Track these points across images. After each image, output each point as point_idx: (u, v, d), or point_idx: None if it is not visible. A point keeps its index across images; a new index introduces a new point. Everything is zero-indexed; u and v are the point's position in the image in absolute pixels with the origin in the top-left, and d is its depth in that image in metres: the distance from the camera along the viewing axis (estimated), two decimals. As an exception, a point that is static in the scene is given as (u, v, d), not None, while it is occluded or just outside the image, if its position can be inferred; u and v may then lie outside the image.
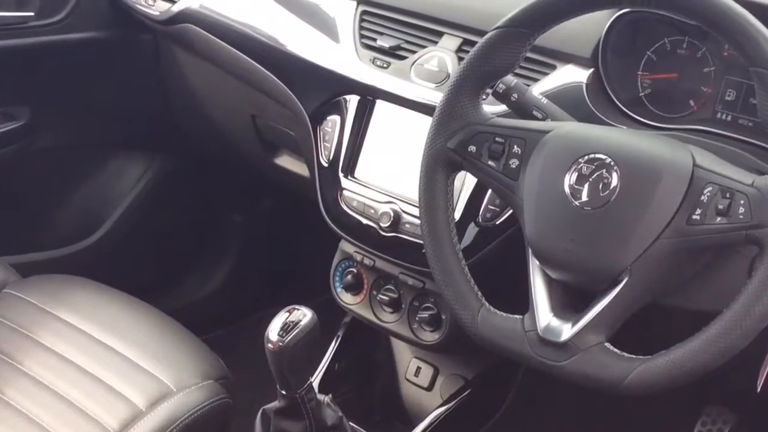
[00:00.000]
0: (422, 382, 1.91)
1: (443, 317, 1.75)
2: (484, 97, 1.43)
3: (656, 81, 1.55)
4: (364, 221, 1.71)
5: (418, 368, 1.92)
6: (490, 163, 1.37)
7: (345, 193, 1.74)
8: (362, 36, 1.79)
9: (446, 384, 1.89)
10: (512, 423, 1.91)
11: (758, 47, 1.18)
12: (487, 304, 1.36)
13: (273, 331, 1.53)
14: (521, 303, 1.33)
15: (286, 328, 1.53)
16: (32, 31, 2.03)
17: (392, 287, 1.81)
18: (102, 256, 2.19)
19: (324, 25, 1.84)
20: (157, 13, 2.04)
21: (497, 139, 1.37)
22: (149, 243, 2.30)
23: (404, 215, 1.66)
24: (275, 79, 1.85)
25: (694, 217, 1.20)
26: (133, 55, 2.14)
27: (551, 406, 1.98)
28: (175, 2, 2.02)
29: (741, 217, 1.17)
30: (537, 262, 1.33)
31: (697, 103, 1.50)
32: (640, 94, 1.55)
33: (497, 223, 1.59)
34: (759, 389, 1.31)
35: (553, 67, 1.59)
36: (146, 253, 2.30)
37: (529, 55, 1.47)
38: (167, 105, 2.21)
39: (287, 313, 1.55)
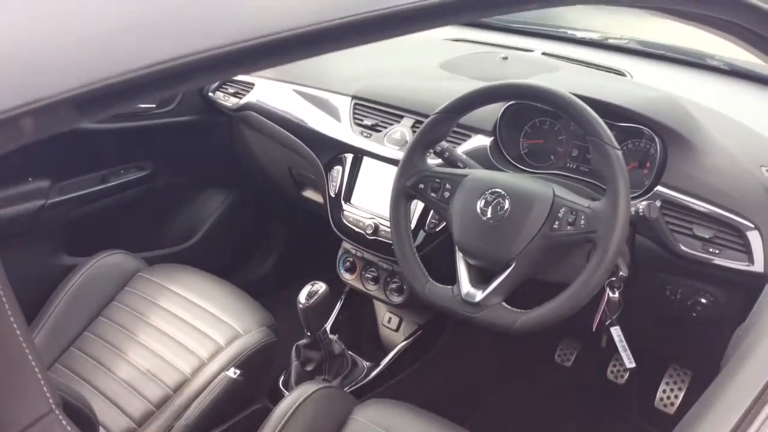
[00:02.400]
0: (392, 326, 1.85)
1: (405, 287, 1.68)
2: (428, 154, 1.37)
3: (531, 144, 1.48)
4: (357, 230, 1.64)
5: (390, 318, 1.86)
6: (432, 194, 1.32)
7: (345, 213, 1.67)
8: (354, 118, 1.71)
9: (407, 327, 1.83)
10: (445, 351, 1.86)
11: (590, 125, 1.16)
12: (431, 279, 1.31)
13: (302, 296, 1.52)
14: (451, 278, 1.29)
15: (310, 295, 1.51)
16: (156, 115, 1.99)
17: (374, 269, 1.74)
18: (198, 252, 2.15)
19: (331, 111, 1.76)
20: (230, 104, 1.99)
21: (436, 180, 1.32)
22: (227, 244, 2.27)
23: (381, 226, 1.59)
24: (303, 144, 1.79)
25: (554, 226, 1.17)
26: (216, 130, 2.11)
27: (469, 342, 1.94)
28: (241, 98, 1.99)
29: (582, 226, 1.14)
30: (461, 254, 1.28)
31: (555, 157, 1.45)
32: (522, 152, 1.49)
33: (437, 230, 1.53)
34: (594, 329, 1.28)
35: (469, 136, 1.51)
36: (225, 250, 2.26)
37: (456, 129, 1.42)
38: (236, 161, 2.17)
39: (310, 286, 1.53)
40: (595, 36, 1.99)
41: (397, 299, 1.69)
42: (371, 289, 1.74)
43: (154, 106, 1.99)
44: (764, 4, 0.78)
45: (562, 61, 1.80)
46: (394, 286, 1.69)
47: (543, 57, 1.87)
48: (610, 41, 1.96)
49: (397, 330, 1.84)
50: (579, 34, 2.03)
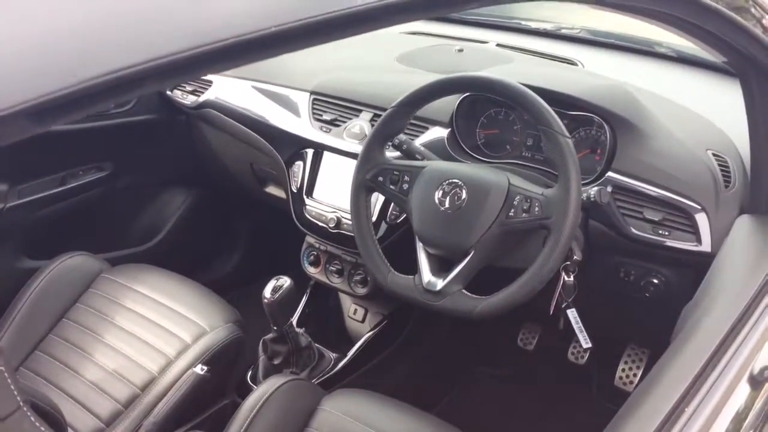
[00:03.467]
0: (358, 318, 1.87)
1: (369, 278, 1.69)
2: (387, 147, 1.39)
3: (487, 134, 1.51)
4: (320, 223, 1.65)
5: (356, 309, 1.87)
6: (391, 187, 1.34)
7: (307, 207, 1.68)
8: (314, 113, 1.72)
9: (372, 318, 1.84)
10: (411, 340, 1.88)
11: (540, 114, 1.19)
12: (393, 270, 1.33)
13: (267, 291, 1.52)
14: (413, 268, 1.30)
15: (275, 290, 1.52)
16: (113, 115, 1.97)
17: (338, 262, 1.75)
18: (162, 251, 2.14)
19: (291, 107, 1.76)
20: (189, 102, 1.98)
21: (395, 172, 1.34)
22: (190, 242, 2.26)
23: (343, 219, 1.61)
24: (263, 140, 1.79)
25: (510, 214, 1.20)
26: (175, 128, 2.09)
27: (434, 330, 1.97)
28: (199, 96, 1.98)
29: (537, 213, 1.17)
30: (421, 244, 1.30)
31: (511, 147, 1.48)
32: (479, 143, 1.51)
33: (398, 221, 1.55)
34: (551, 312, 1.31)
35: (427, 128, 1.53)
36: (188, 248, 2.25)
37: (413, 121, 1.44)
38: (197, 159, 2.16)
39: (275, 281, 1.54)
40: (548, 26, 2.03)
41: (361, 291, 1.71)
42: (336, 281, 1.76)
43: (111, 105, 1.98)
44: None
45: (516, 53, 1.83)
46: (358, 278, 1.71)
47: (497, 48, 1.90)
48: (563, 31, 2.01)
49: (363, 321, 1.86)
50: (533, 25, 2.07)
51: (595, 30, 1.95)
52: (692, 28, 0.90)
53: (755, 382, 0.89)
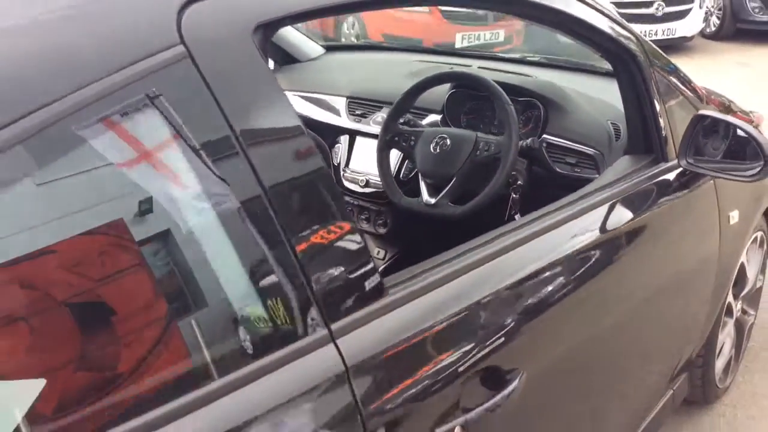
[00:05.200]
0: (380, 257, 2.41)
1: (387, 221, 2.32)
2: (400, 121, 2.06)
3: (468, 118, 2.19)
4: (354, 185, 2.31)
5: (378, 251, 2.44)
6: (403, 144, 2.01)
7: (345, 175, 2.34)
8: (349, 110, 2.41)
9: (389, 256, 2.41)
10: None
11: (496, 94, 1.88)
12: (405, 196, 2.00)
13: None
14: (417, 194, 1.99)
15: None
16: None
17: (366, 212, 2.35)
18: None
19: (331, 108, 2.46)
20: None
21: (405, 135, 2.02)
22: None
23: (371, 180, 2.26)
24: (314, 134, 2.50)
25: (477, 153, 1.87)
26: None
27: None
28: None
29: (492, 150, 1.85)
30: (421, 176, 1.98)
31: (484, 126, 2.13)
32: (462, 125, 2.18)
33: (409, 177, 2.19)
34: (506, 220, 1.99)
35: (426, 115, 2.21)
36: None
37: (417, 111, 2.16)
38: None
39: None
40: (515, 55, 2.81)
41: (382, 230, 2.37)
42: (364, 226, 2.41)
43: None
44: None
45: (491, 71, 2.59)
46: (380, 221, 2.37)
47: (479, 69, 2.67)
48: (527, 58, 2.78)
49: (383, 259, 2.51)
50: (505, 55, 2.86)
51: (546, 56, 2.73)
52: (569, 32, 1.65)
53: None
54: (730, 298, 2.39)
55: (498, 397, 1.13)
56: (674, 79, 1.90)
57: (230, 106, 0.89)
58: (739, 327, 2.59)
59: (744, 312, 2.61)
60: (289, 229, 0.92)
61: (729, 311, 2.44)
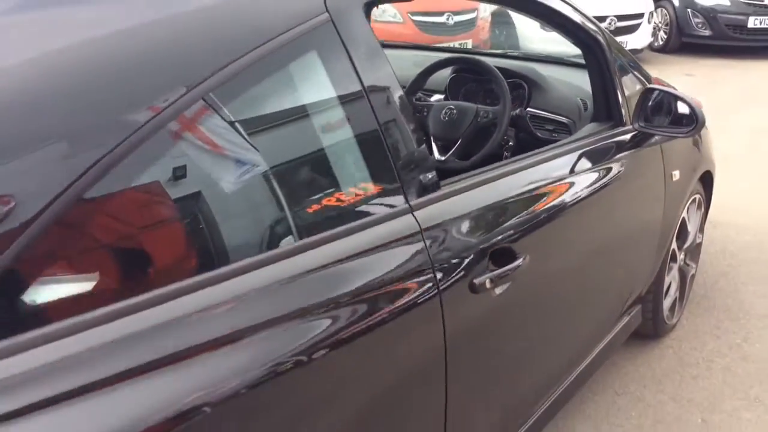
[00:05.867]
0: None
1: None
2: (413, 98, 2.59)
3: (466, 96, 2.70)
4: None
5: None
6: (417, 114, 2.50)
7: None
8: None
9: None
10: None
11: (492, 74, 2.44)
12: None
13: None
14: (430, 153, 2.43)
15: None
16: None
17: None
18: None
19: None
20: None
21: (418, 107, 2.53)
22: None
23: None
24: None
25: (478, 119, 2.41)
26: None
27: None
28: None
29: (490, 117, 2.38)
30: (433, 139, 2.48)
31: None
32: (461, 100, 2.72)
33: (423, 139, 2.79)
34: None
35: (433, 95, 2.74)
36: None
37: (426, 92, 2.69)
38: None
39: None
40: (498, 51, 3.37)
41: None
42: None
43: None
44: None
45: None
46: None
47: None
48: (508, 53, 3.35)
49: None
50: (495, 51, 3.42)
51: (530, 52, 3.30)
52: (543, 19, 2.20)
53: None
54: (674, 246, 2.95)
55: (513, 264, 1.65)
56: (627, 61, 2.47)
57: (358, 62, 1.40)
58: (683, 275, 3.16)
59: (686, 263, 3.18)
60: (389, 143, 1.43)
61: (674, 258, 3.01)
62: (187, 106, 1.12)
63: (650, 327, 2.98)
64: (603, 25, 9.07)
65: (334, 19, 1.38)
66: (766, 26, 9.27)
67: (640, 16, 8.91)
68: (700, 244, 3.32)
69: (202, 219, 1.15)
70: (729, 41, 9.40)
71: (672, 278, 3.05)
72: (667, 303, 3.03)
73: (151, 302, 1.04)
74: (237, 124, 1.23)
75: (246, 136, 1.25)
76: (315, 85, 1.36)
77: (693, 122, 2.29)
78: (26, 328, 0.94)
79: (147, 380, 0.99)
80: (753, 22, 9.24)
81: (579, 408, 2.64)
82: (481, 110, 2.44)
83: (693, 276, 3.31)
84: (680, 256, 3.08)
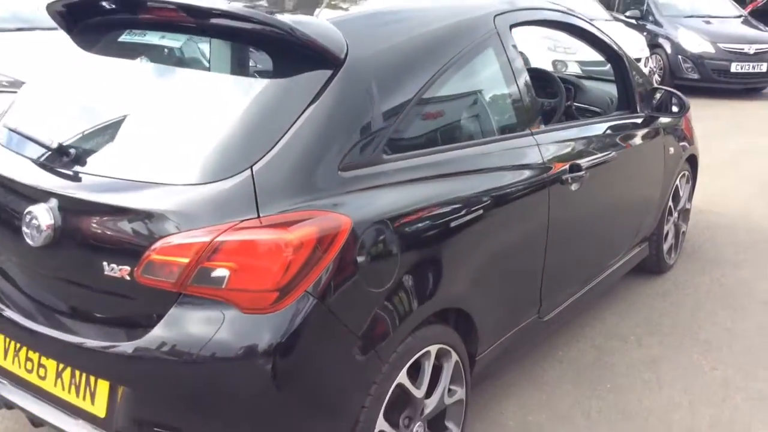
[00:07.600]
0: None
1: None
2: None
3: None
4: None
5: None
6: None
7: None
8: None
9: None
10: None
11: (556, 81, 3.81)
12: None
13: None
14: None
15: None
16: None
17: None
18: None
19: None
20: None
21: None
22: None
23: None
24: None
25: (544, 107, 3.77)
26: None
27: None
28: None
29: (553, 105, 3.78)
30: None
31: None
32: None
33: None
34: None
35: None
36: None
37: None
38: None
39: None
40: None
41: None
42: None
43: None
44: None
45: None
46: None
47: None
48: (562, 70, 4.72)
49: None
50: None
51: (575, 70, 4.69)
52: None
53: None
54: (671, 204, 4.26)
55: (580, 173, 2.95)
56: (637, 72, 3.83)
57: (509, 55, 2.74)
58: (677, 229, 4.45)
59: (679, 222, 4.48)
60: (522, 94, 2.78)
61: (670, 213, 4.30)
62: (452, 65, 2.47)
63: (655, 263, 4.26)
64: (604, 69, 10.40)
65: (499, 32, 2.73)
66: (746, 71, 10.80)
67: (638, 60, 10.40)
68: (688, 210, 4.62)
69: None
70: (715, 84, 10.89)
71: (669, 228, 4.34)
72: (666, 246, 4.31)
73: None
74: (467, 81, 2.58)
75: (475, 85, 2.61)
76: (494, 65, 2.69)
77: (682, 108, 3.66)
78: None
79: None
80: (735, 68, 10.77)
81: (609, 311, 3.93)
82: (544, 101, 3.74)
83: (684, 233, 4.60)
84: (675, 214, 4.38)
